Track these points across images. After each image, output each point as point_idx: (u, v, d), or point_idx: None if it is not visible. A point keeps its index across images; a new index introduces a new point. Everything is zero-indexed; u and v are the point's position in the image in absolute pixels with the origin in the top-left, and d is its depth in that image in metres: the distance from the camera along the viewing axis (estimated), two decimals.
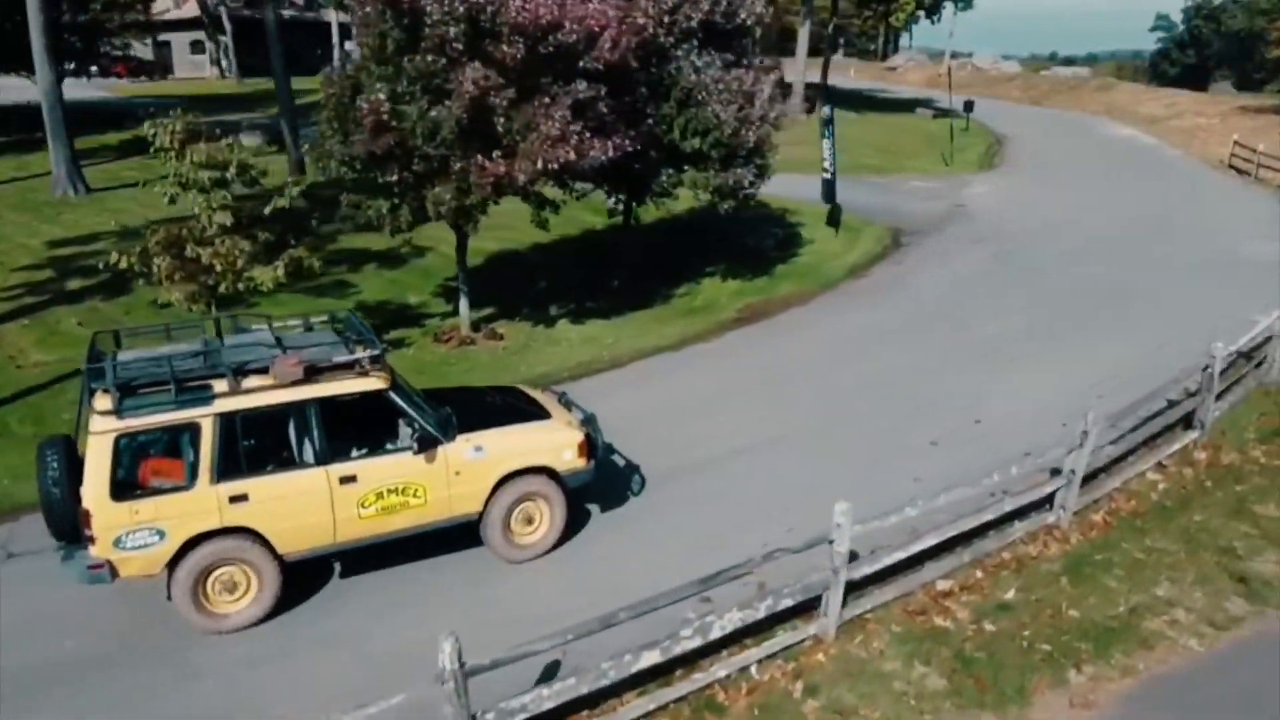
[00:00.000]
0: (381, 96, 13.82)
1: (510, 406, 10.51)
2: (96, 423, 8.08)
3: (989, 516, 9.41)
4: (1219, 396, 12.90)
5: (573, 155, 14.31)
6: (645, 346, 16.71)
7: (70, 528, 8.43)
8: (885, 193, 30.09)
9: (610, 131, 15.38)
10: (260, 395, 8.59)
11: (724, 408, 13.75)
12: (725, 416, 13.39)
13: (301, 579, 9.31)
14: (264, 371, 8.67)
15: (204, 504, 8.47)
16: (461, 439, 9.41)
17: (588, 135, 14.80)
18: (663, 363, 16.09)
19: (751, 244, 23.35)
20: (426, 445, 9.15)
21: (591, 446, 10.09)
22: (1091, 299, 18.44)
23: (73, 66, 36.18)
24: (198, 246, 13.48)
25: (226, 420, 8.44)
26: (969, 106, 44.95)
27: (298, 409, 8.77)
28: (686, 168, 18.02)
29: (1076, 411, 10.46)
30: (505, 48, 13.85)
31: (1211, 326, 13.61)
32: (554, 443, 9.85)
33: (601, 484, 10.90)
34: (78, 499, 8.26)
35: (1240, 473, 11.39)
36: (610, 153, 15.00)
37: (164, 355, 8.91)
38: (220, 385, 8.49)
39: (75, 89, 42.15)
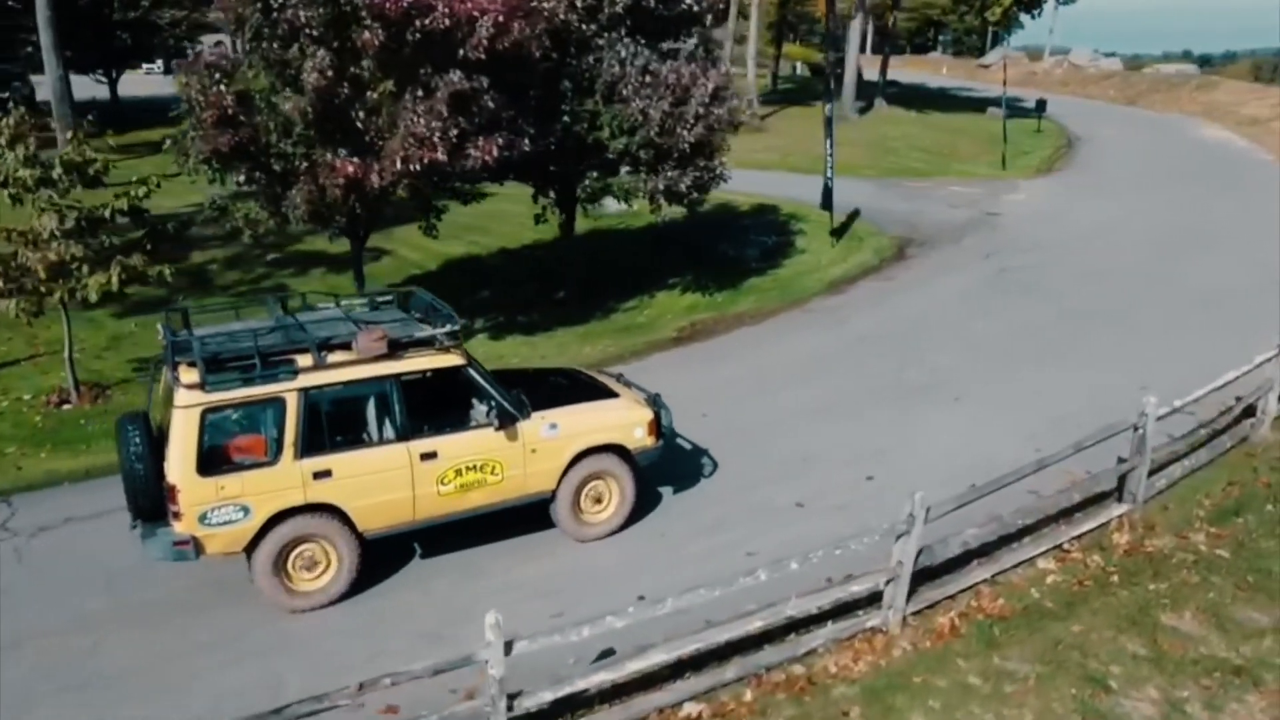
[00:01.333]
0: (223, 88, 12.51)
1: (577, 386, 10.48)
2: (182, 396, 7.92)
3: (758, 623, 7.35)
4: (1180, 457, 10.53)
5: (440, 157, 12.73)
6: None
7: (151, 505, 8.31)
8: (916, 198, 27.56)
9: (505, 130, 13.77)
10: (343, 370, 8.48)
11: None
12: None
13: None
14: (345, 347, 8.55)
15: (288, 480, 8.33)
16: (536, 416, 9.30)
17: (470, 134, 13.23)
18: None
19: (732, 254, 21.37)
20: (506, 422, 9.08)
21: (659, 425, 9.90)
22: (1079, 329, 15.88)
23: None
24: (29, 251, 12.43)
25: (311, 395, 8.31)
26: (1041, 106, 41.78)
27: (380, 384, 8.66)
28: (627, 170, 16.22)
29: (1001, 466, 8.51)
30: (366, 34, 12.38)
31: (1214, 369, 10.98)
32: (625, 421, 9.80)
33: None
34: (157, 475, 8.17)
35: (1164, 565, 9.00)
36: (493, 154, 13.36)
37: (248, 330, 8.76)
38: (304, 360, 8.35)
39: (136, 85, 42.96)
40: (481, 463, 9.02)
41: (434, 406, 9.21)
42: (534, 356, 15.43)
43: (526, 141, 14.06)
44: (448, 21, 12.76)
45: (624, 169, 15.94)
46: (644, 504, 10.25)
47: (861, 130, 38.31)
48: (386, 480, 8.66)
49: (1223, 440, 10.99)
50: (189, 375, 8.02)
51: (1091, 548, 9.27)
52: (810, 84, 53.53)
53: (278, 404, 8.22)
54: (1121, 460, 9.62)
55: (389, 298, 10.15)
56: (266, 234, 14.18)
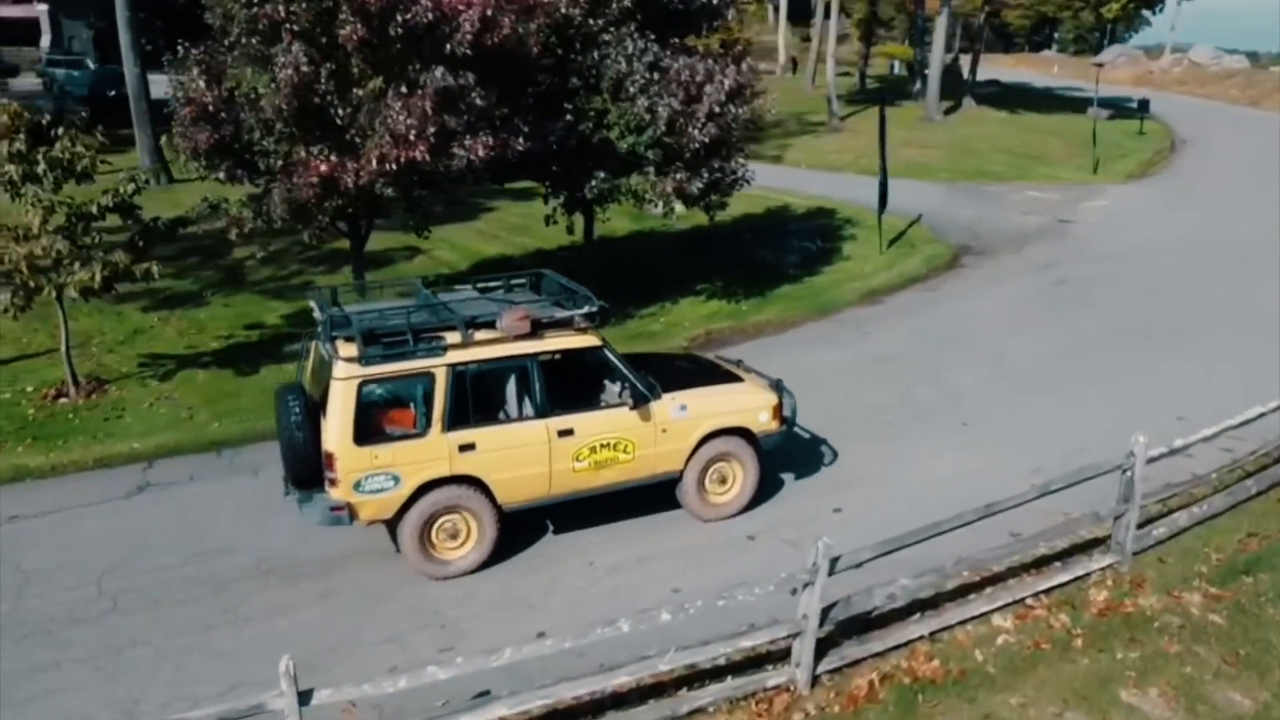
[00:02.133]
0: (201, 84, 12.34)
1: (703, 370, 10.77)
2: (341, 369, 8.28)
3: (624, 678, 6.56)
4: (1194, 503, 9.32)
5: (419, 156, 12.28)
6: None
7: (308, 472, 8.62)
8: (988, 203, 26.06)
9: (499, 129, 13.27)
10: (489, 348, 8.79)
11: None
12: None
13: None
14: (490, 326, 8.79)
15: (436, 451, 8.64)
16: (667, 397, 9.51)
17: (457, 133, 12.77)
18: None
19: (770, 259, 20.42)
20: (640, 401, 9.31)
21: (782, 410, 10.01)
22: (1129, 349, 14.49)
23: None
24: (16, 246, 12.52)
25: (458, 371, 8.63)
26: (1144, 106, 39.27)
27: (522, 362, 8.96)
28: (642, 171, 15.50)
29: (989, 499, 7.75)
30: (346, 29, 12.04)
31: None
32: (751, 404, 9.95)
33: None
34: (313, 444, 8.51)
35: (1143, 628, 7.86)
36: (480, 154, 12.86)
37: (400, 308, 9.14)
38: (452, 337, 8.65)
39: None
40: (615, 441, 9.25)
41: (569, 385, 9.45)
42: None
43: (521, 141, 13.51)
44: (431, 16, 12.32)
45: (635, 171, 15.20)
46: (573, 525, 9.61)
47: (945, 131, 36.59)
48: (526, 455, 8.94)
49: (1247, 485, 9.67)
50: (347, 349, 8.38)
51: (1060, 604, 8.18)
52: (904, 83, 51.60)
53: (428, 379, 8.57)
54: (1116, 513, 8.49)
55: (522, 280, 10.42)
56: (253, 232, 13.98)
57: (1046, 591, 8.26)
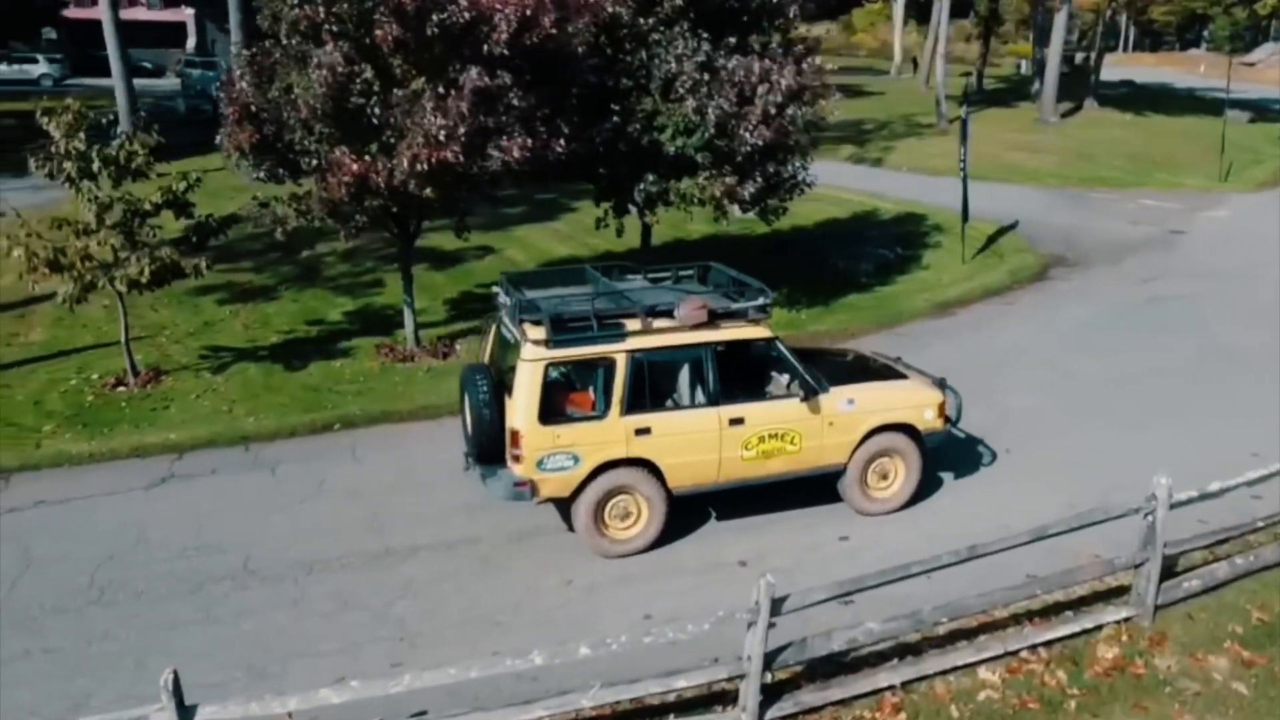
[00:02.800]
0: (245, 84, 12.56)
1: (867, 366, 10.87)
2: (529, 351, 8.66)
3: (540, 712, 6.19)
4: (1238, 554, 8.37)
5: (450, 156, 12.19)
6: None
7: (492, 449, 9.01)
8: (1091, 211, 24.58)
9: (540, 130, 13.10)
10: (667, 336, 9.04)
11: None
12: None
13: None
14: (667, 314, 9.06)
15: (613, 434, 8.93)
16: (835, 391, 9.61)
17: (492, 134, 12.65)
18: None
19: (843, 265, 19.66)
20: (810, 394, 9.42)
21: (947, 408, 10.14)
22: (1216, 376, 13.33)
23: None
24: (75, 240, 13.01)
25: (637, 357, 8.90)
26: None
27: (697, 351, 9.18)
28: (693, 174, 15.06)
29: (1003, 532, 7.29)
30: (380, 30, 12.07)
31: None
32: (916, 401, 10.02)
33: None
34: (499, 422, 8.93)
35: (1153, 692, 7.04)
36: (515, 155, 12.70)
37: (584, 294, 9.56)
38: (631, 324, 8.94)
39: None
40: (783, 432, 9.38)
41: (739, 375, 9.61)
42: None
43: (561, 142, 13.28)
44: (467, 16, 12.22)
45: (686, 174, 14.75)
46: (558, 539, 9.30)
47: (1059, 134, 34.73)
48: (697, 441, 9.15)
49: None
50: (535, 332, 8.70)
51: (1061, 659, 7.41)
52: (1026, 83, 49.31)
53: (608, 363, 8.85)
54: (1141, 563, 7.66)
55: (690, 270, 10.55)
56: (321, 231, 14.19)
57: (1047, 644, 7.50)
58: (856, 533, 9.53)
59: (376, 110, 12.51)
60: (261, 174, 13.24)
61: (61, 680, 7.55)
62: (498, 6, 12.29)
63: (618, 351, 8.83)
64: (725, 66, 14.27)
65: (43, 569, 9.18)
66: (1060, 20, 34.95)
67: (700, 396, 9.31)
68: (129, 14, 48.25)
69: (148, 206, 13.28)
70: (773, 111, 14.36)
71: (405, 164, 12.22)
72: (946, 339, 15.51)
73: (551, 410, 8.82)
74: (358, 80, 12.32)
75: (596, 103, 14.30)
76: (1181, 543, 7.73)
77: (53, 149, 12.91)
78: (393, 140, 12.53)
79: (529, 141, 12.85)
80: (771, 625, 6.30)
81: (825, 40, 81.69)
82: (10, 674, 7.60)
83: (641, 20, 14.17)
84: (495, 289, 10.00)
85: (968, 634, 7.61)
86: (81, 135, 13.00)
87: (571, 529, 9.36)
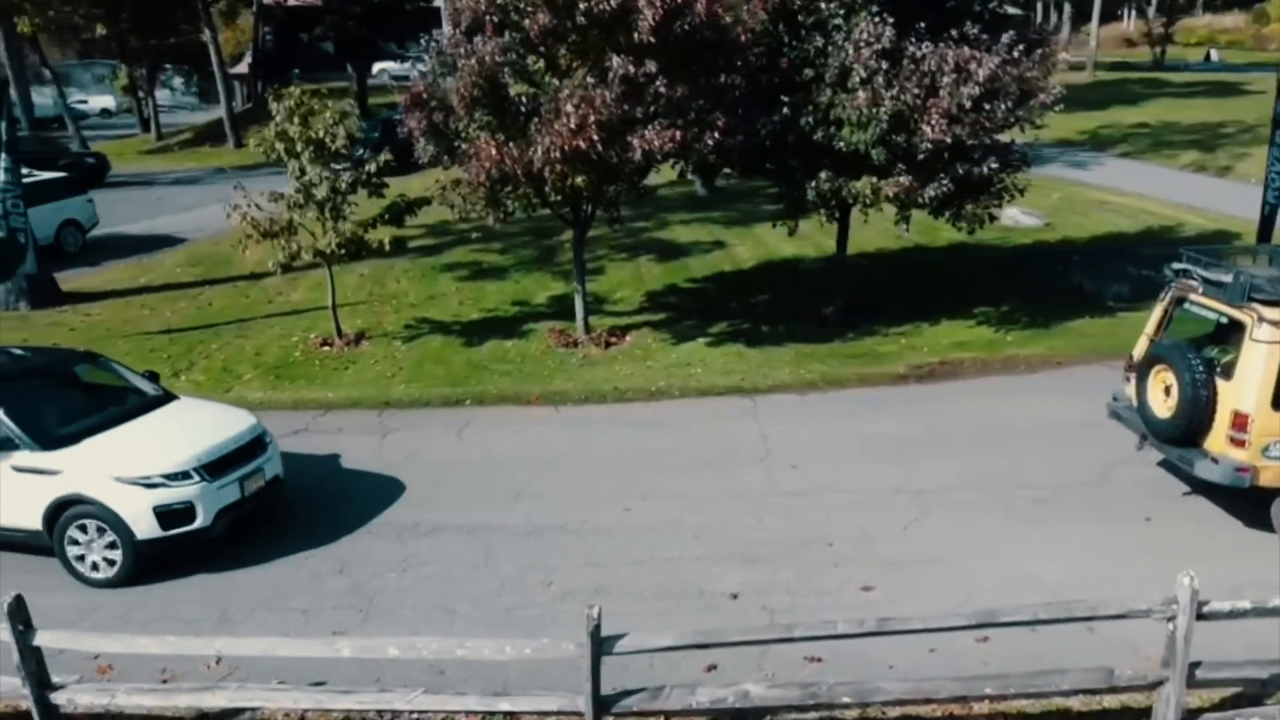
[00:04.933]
0: (416, 73, 13.37)
1: None
2: (1266, 333, 8.40)
3: None
4: None
5: (583, 144, 12.18)
6: (724, 383, 13.59)
7: (1186, 431, 8.87)
8: None
9: (690, 121, 12.78)
10: None
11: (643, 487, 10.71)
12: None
13: None
14: None
15: None
16: None
17: (637, 123, 12.52)
18: (719, 405, 12.96)
19: (1089, 286, 17.21)
20: None
21: None
22: None
23: None
24: (287, 212, 14.55)
25: None
26: None
27: None
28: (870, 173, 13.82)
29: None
30: (528, 19, 12.37)
31: None
32: None
33: None
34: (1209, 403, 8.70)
35: None
36: (655, 145, 12.44)
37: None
38: None
39: None
40: None
41: None
42: (717, 368, 14.10)
43: (715, 134, 12.79)
44: (614, 3, 12.10)
45: (863, 172, 13.57)
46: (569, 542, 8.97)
47: None
48: None
49: None
50: (1273, 313, 8.37)
51: None
52: None
53: None
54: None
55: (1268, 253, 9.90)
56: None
57: None
58: (885, 584, 8.26)
59: (523, 100, 12.79)
60: (427, 159, 13.97)
61: None
62: None
63: None
64: (913, 55, 12.96)
65: None
66: None
67: None
68: None
69: (343, 185, 14.57)
70: (967, 105, 12.82)
71: (540, 151, 12.38)
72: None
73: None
74: (505, 70, 12.65)
75: (765, 93, 13.59)
76: (1222, 666, 5.90)
77: (266, 131, 14.56)
78: (539, 128, 12.75)
79: (676, 134, 12.53)
80: None
81: (1231, 33, 71.40)
82: None
83: (823, 4, 13.23)
84: (1172, 266, 9.50)
85: None
86: (295, 121, 14.41)
87: None
